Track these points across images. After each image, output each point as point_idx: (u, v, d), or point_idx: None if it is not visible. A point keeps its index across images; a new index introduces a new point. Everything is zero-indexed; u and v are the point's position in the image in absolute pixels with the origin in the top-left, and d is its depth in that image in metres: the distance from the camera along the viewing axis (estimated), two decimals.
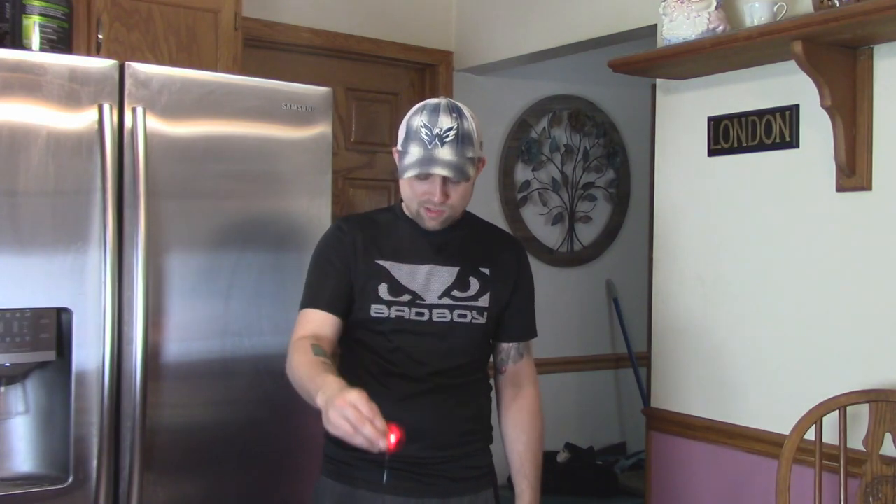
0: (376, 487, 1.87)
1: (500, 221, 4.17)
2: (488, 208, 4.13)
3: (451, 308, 1.91)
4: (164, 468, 2.27)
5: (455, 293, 1.91)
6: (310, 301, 1.91)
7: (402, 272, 1.90)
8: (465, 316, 1.91)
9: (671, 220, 2.91)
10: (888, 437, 2.23)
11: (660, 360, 2.96)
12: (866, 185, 2.37)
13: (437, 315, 1.90)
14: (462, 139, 1.82)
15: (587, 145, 4.56)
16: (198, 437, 2.34)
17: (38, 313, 2.11)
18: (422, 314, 1.89)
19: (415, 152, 1.82)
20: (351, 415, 1.49)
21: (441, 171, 1.80)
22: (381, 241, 1.94)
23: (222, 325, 2.36)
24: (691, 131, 2.82)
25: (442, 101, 1.87)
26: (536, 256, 4.35)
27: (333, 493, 1.93)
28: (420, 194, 1.86)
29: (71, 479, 2.13)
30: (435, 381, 1.90)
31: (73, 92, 2.14)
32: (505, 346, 2.03)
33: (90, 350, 2.14)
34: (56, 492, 2.12)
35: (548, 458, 4.12)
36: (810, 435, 2.22)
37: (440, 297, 1.90)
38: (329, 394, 1.56)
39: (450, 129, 1.82)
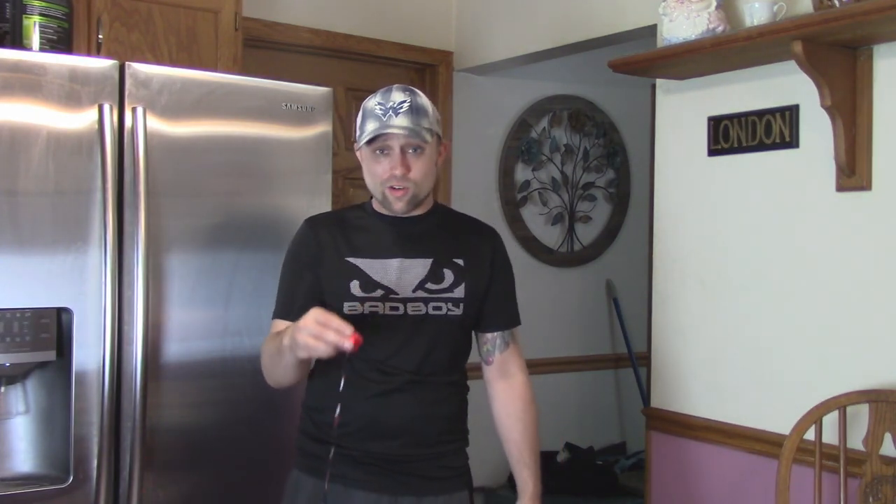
0: (349, 483, 1.87)
1: (500, 221, 4.18)
2: (488, 208, 4.13)
3: (426, 301, 1.90)
4: (164, 468, 2.27)
5: (429, 285, 1.91)
6: (282, 312, 1.96)
7: (374, 268, 1.90)
8: (440, 308, 1.90)
9: (671, 220, 2.91)
10: (888, 437, 2.23)
11: (660, 360, 2.96)
12: (866, 185, 2.37)
13: (411, 308, 1.89)
14: (416, 110, 1.84)
15: (587, 145, 4.56)
16: (198, 437, 2.34)
17: (38, 313, 2.11)
18: (396, 308, 1.88)
19: (370, 127, 1.84)
20: (313, 328, 1.65)
21: (395, 131, 1.81)
22: (350, 237, 1.94)
23: (222, 325, 2.36)
24: (691, 131, 2.82)
25: (395, 85, 1.91)
26: (536, 256, 4.35)
27: (306, 488, 1.92)
28: (381, 174, 1.87)
29: (71, 479, 2.13)
30: (412, 377, 1.89)
31: (73, 92, 2.14)
32: (490, 335, 2.02)
33: (90, 350, 2.14)
34: (56, 492, 2.13)
35: (548, 458, 4.16)
36: (810, 435, 2.22)
37: (414, 291, 1.89)
38: (290, 329, 1.73)
39: (403, 101, 1.84)
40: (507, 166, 4.28)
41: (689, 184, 2.85)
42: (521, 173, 4.34)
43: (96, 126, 2.16)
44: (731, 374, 2.71)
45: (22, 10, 2.33)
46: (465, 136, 4.06)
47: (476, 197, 4.08)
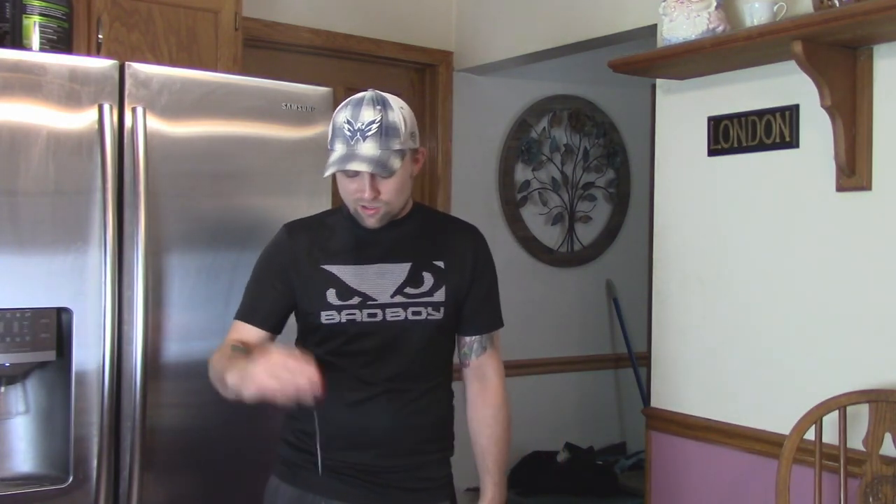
0: (328, 493, 1.85)
1: (499, 221, 4.18)
2: (488, 208, 4.13)
3: (405, 306, 1.86)
4: (164, 468, 2.27)
5: (408, 290, 1.87)
6: (244, 314, 1.94)
7: (349, 274, 1.86)
8: (419, 313, 1.87)
9: (671, 220, 2.91)
10: (888, 437, 2.23)
11: (660, 360, 2.96)
12: (866, 185, 2.37)
13: (390, 315, 1.85)
14: (385, 132, 1.76)
15: (587, 145, 4.56)
16: (198, 437, 2.34)
17: (38, 313, 2.11)
18: (374, 315, 1.85)
19: (338, 149, 1.79)
20: (292, 365, 1.58)
21: (360, 167, 1.75)
22: (326, 244, 1.91)
23: (222, 325, 2.35)
24: (691, 131, 2.82)
25: (367, 93, 1.82)
26: (536, 256, 4.35)
27: (284, 496, 1.89)
28: (352, 193, 1.83)
29: (71, 479, 2.13)
30: (390, 385, 1.86)
31: (73, 92, 2.14)
32: (468, 339, 1.97)
33: (90, 350, 2.14)
34: (56, 492, 2.13)
35: (548, 458, 4.16)
36: (810, 435, 2.22)
37: (392, 296, 1.86)
38: (242, 365, 1.65)
39: (372, 122, 1.76)
40: (507, 166, 4.28)
41: (689, 184, 2.85)
42: (521, 173, 4.34)
43: (96, 126, 2.16)
44: (731, 374, 2.71)
45: (22, 10, 2.33)
46: (465, 136, 4.06)
47: (476, 197, 4.08)
